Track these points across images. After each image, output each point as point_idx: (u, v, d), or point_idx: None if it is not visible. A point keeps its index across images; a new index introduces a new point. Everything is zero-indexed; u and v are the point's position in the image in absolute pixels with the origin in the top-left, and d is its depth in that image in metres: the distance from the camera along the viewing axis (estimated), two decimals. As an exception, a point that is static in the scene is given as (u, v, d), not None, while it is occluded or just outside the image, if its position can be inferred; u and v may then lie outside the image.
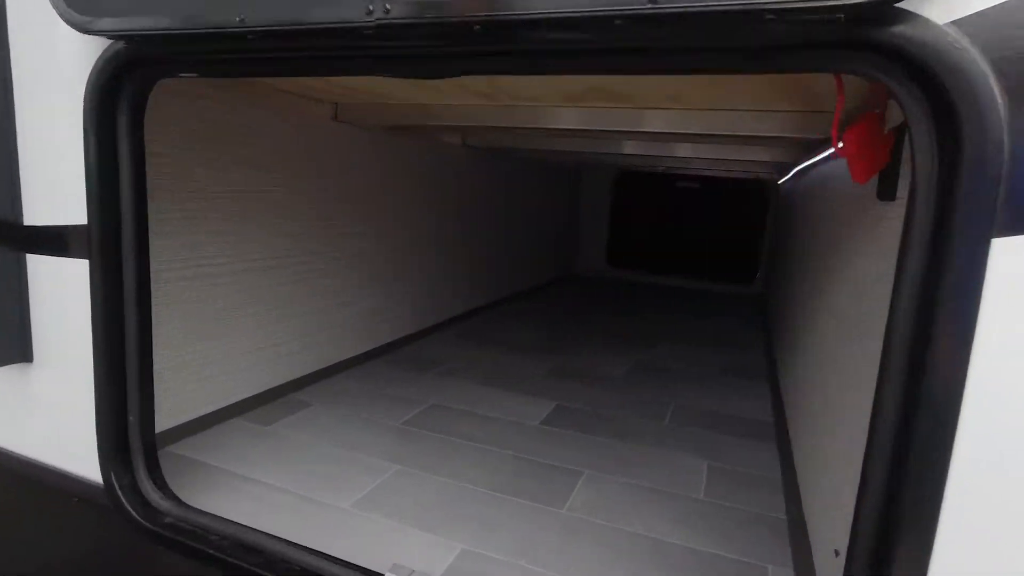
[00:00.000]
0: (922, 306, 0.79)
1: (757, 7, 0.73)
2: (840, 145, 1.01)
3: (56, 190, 1.40)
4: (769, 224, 6.32)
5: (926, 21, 0.74)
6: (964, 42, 0.73)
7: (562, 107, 2.33)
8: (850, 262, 1.60)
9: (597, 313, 4.83)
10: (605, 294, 5.83)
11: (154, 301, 1.48)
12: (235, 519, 1.47)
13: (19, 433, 1.54)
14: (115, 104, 1.31)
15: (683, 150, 3.57)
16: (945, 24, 0.74)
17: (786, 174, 5.34)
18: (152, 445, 1.51)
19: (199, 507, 1.51)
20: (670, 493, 1.96)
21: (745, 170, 4.98)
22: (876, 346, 0.88)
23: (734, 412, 2.75)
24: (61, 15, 1.18)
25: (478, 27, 0.89)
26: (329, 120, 2.66)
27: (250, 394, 2.36)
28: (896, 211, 1.05)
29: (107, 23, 1.15)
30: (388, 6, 0.91)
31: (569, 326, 4.27)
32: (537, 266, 5.74)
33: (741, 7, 0.74)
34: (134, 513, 1.43)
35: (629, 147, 3.68)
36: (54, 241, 1.43)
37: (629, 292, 6.07)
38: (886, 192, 1.15)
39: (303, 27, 0.99)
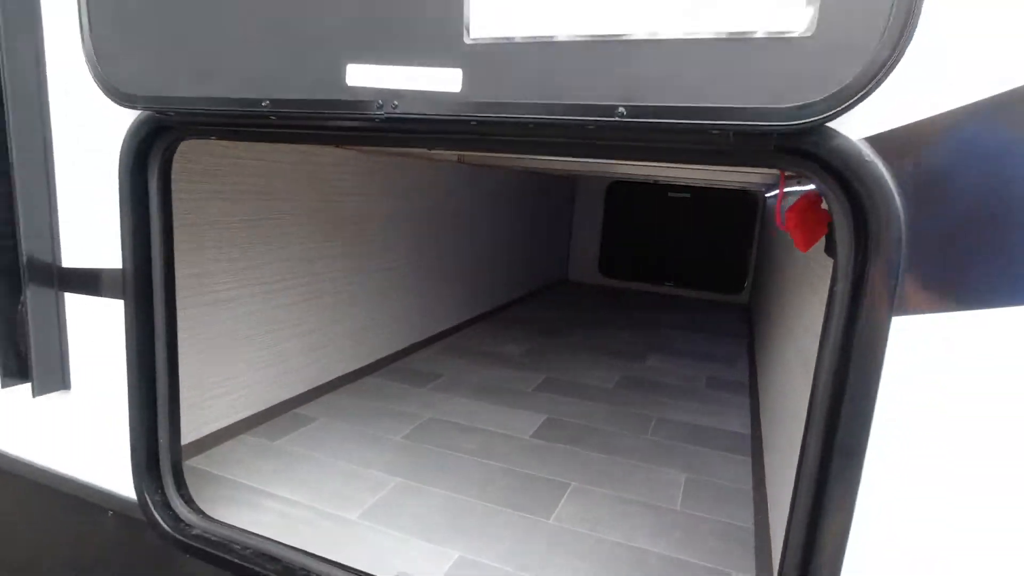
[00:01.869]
0: (839, 368, 0.96)
1: (702, 125, 0.90)
2: (782, 222, 1.18)
3: (93, 237, 1.55)
4: (756, 234, 6.53)
5: (845, 138, 0.91)
6: (872, 155, 0.90)
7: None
8: (806, 301, 1.77)
9: (586, 325, 5.00)
10: (595, 304, 6.00)
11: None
12: (253, 530, 1.63)
13: (60, 453, 1.69)
14: (146, 162, 1.46)
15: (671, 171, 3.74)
16: (859, 140, 0.90)
17: (771, 188, 5.54)
18: (179, 463, 1.67)
19: (221, 519, 1.67)
20: (649, 505, 2.13)
21: (734, 181, 5.15)
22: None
23: (715, 425, 2.93)
24: (103, 89, 1.33)
25: (473, 123, 1.05)
26: (332, 148, 2.81)
27: (257, 410, 2.52)
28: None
29: (145, 99, 1.30)
30: (396, 103, 1.07)
31: (558, 339, 4.43)
32: (529, 274, 5.90)
33: (691, 125, 0.91)
34: (165, 526, 1.59)
35: (621, 170, 3.85)
36: (90, 282, 1.58)
37: (619, 301, 6.24)
38: (831, 249, 1.32)
39: (323, 113, 1.15)
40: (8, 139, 1.46)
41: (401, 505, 2.01)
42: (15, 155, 1.46)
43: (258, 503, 1.96)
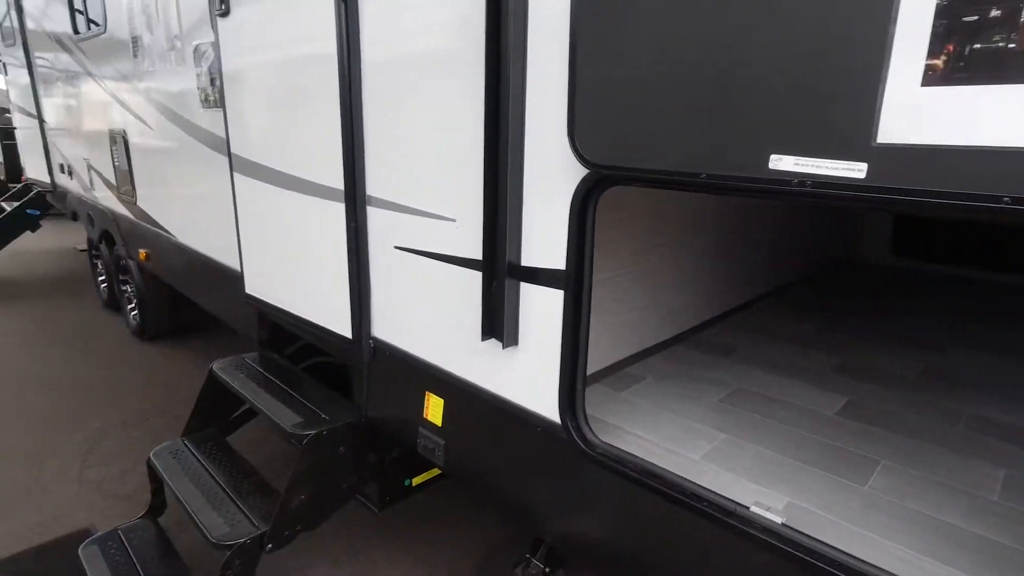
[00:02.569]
0: None
1: None
2: None
3: (545, 247, 2.33)
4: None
5: None
6: None
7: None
8: None
9: (878, 308, 4.92)
10: (887, 286, 5.76)
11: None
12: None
13: (513, 388, 2.59)
14: (587, 200, 2.16)
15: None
16: None
17: None
18: (584, 402, 2.42)
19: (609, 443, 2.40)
20: (963, 491, 2.35)
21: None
22: None
23: (1036, 428, 2.90)
24: (576, 156, 2.04)
25: (871, 200, 1.48)
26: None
27: (605, 365, 3.27)
28: None
29: (606, 167, 1.98)
30: (808, 182, 1.54)
31: (847, 321, 4.51)
32: (815, 253, 5.89)
33: None
34: (579, 443, 2.36)
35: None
36: (539, 276, 2.37)
37: (915, 284, 5.88)
38: None
39: (748, 185, 1.67)
40: (502, 185, 2.29)
41: (730, 454, 2.56)
42: (509, 197, 2.28)
43: (621, 436, 2.68)
